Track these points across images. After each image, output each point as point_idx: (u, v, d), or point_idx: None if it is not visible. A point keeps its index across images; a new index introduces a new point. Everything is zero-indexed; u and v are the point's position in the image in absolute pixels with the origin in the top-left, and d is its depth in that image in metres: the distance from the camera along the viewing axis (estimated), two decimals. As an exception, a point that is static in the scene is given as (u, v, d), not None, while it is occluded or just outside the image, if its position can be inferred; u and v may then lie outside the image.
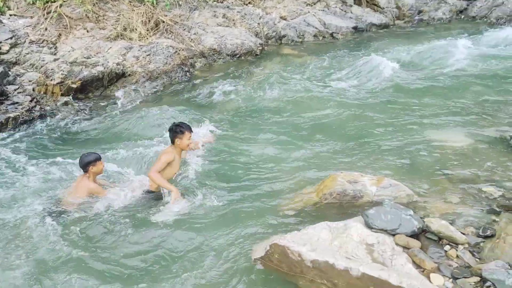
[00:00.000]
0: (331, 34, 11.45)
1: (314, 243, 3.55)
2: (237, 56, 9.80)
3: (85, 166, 4.75)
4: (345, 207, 4.39)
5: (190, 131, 5.06)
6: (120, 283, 3.70)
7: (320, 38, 11.29)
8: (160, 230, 4.29)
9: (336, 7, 12.11)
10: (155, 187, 4.86)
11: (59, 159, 5.62)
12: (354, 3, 12.58)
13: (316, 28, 11.34)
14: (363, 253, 3.42)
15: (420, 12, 13.11)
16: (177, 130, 4.98)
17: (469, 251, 3.45)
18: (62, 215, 4.55)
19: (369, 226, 3.72)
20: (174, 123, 5.12)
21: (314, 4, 12.03)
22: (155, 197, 4.83)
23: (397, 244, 3.53)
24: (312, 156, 5.53)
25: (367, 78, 8.44)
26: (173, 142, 5.02)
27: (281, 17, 11.51)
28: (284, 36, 11.07)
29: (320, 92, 8.01)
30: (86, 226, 4.40)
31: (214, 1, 11.00)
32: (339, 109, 7.13)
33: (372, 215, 3.78)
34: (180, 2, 10.36)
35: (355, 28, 11.79)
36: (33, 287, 3.69)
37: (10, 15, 8.73)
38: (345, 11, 12.18)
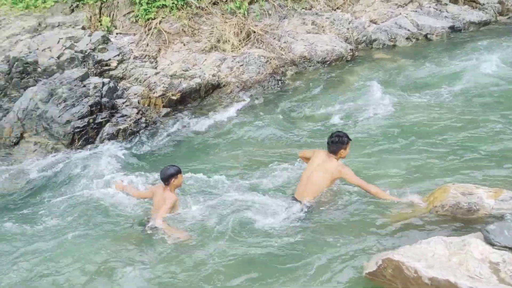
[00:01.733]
0: (425, 36, 10.91)
1: (430, 259, 3.38)
2: (328, 62, 9.72)
3: (167, 178, 4.81)
4: (458, 221, 4.15)
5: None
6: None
7: (413, 40, 10.81)
8: (267, 241, 4.34)
9: (430, 6, 11.52)
10: None
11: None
12: (450, 1, 11.89)
13: (408, 30, 10.88)
14: (487, 272, 3.20)
15: (526, 6, 12.04)
16: (344, 140, 4.68)
17: None
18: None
19: (490, 242, 3.47)
20: (336, 132, 4.80)
21: (406, 5, 11.56)
22: None
23: (526, 264, 3.24)
24: (417, 166, 5.31)
25: (469, 81, 7.93)
26: (336, 153, 4.69)
27: (371, 21, 11.21)
28: (375, 40, 10.77)
29: (418, 98, 7.67)
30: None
31: (303, 8, 11.02)
32: (441, 116, 6.78)
33: (494, 230, 3.51)
34: (270, 12, 10.53)
35: (451, 27, 11.12)
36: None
37: (117, 33, 9.48)
38: (440, 10, 11.55)
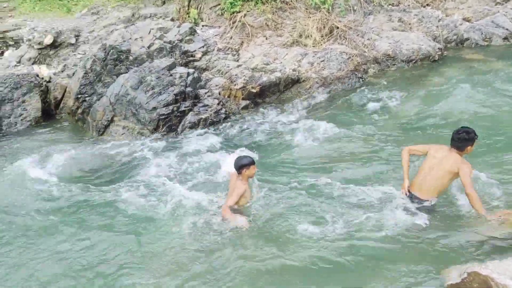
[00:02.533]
0: (526, 36, 10.07)
1: (523, 277, 3.14)
2: (413, 61, 9.31)
3: (239, 168, 4.90)
4: (556, 240, 3.81)
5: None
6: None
7: None
8: (340, 247, 4.29)
9: (533, 5, 10.60)
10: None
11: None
12: (558, -1, 10.83)
13: (507, 29, 10.09)
14: None
15: None
16: (472, 136, 4.47)
17: None
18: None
19: None
20: (464, 128, 4.58)
21: (506, 3, 10.71)
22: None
23: None
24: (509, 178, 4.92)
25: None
26: (462, 149, 4.49)
27: (464, 19, 10.55)
28: (466, 39, 10.13)
29: (509, 101, 7.12)
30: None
31: (390, 4, 10.64)
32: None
33: None
34: (355, 7, 10.28)
35: (557, 28, 10.15)
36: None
37: (203, 25, 9.79)
38: (545, 9, 10.58)
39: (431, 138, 6.19)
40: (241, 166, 4.93)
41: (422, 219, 4.40)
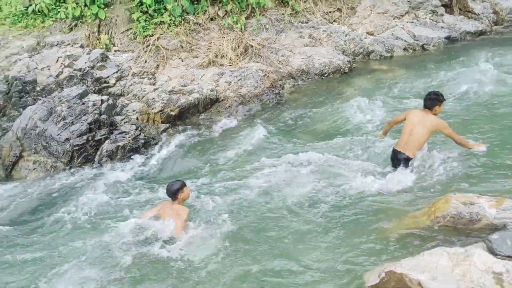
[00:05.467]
0: (422, 46, 10.99)
1: (433, 270, 3.35)
2: (326, 75, 9.76)
3: (174, 194, 4.90)
4: (460, 231, 4.11)
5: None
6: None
7: (410, 51, 10.88)
8: (270, 249, 4.32)
9: (426, 17, 11.62)
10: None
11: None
12: (446, 12, 11.98)
13: (405, 41, 10.96)
14: (491, 282, 3.16)
15: (521, 15, 12.15)
16: (440, 98, 5.28)
17: None
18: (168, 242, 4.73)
19: (493, 252, 3.44)
20: (433, 91, 5.41)
21: (402, 17, 11.65)
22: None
23: (529, 274, 3.20)
24: (419, 177, 5.26)
25: (466, 91, 7.94)
26: (431, 108, 5.29)
27: (367, 33, 11.29)
28: (372, 51, 10.84)
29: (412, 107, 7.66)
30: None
31: (300, 22, 11.11)
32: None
33: (496, 240, 3.49)
34: (267, 26, 10.60)
35: (448, 38, 11.21)
36: None
37: (115, 50, 9.53)
38: (436, 21, 11.65)
39: (349, 145, 6.50)
40: (175, 191, 4.90)
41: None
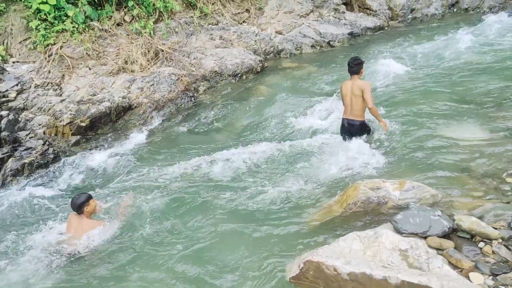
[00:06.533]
0: (328, 43, 11.54)
1: (347, 255, 3.54)
2: (239, 75, 9.88)
3: (79, 207, 4.79)
4: (370, 215, 4.39)
5: None
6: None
7: (318, 48, 11.38)
8: (184, 252, 4.29)
9: (329, 15, 12.22)
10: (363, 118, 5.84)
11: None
12: (347, 10, 12.69)
13: (312, 38, 11.44)
14: (398, 260, 3.41)
15: (412, 10, 13.21)
16: (361, 60, 5.79)
17: (504, 245, 3.43)
18: (69, 255, 4.58)
19: (398, 231, 3.71)
20: (353, 57, 5.87)
21: (308, 15, 12.14)
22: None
23: (430, 247, 3.51)
24: (325, 170, 5.52)
25: (371, 81, 8.47)
26: (358, 73, 5.77)
27: (276, 32, 11.62)
28: (282, 50, 11.17)
29: (321, 103, 8.00)
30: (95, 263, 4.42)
31: (209, 24, 11.13)
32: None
33: (400, 220, 3.77)
34: (177, 29, 10.49)
35: (350, 34, 11.88)
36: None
37: (13, 62, 8.86)
38: (338, 19, 12.29)
39: (268, 139, 6.69)
40: (80, 205, 4.76)
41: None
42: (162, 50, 9.76)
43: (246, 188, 5.36)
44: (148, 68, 9.31)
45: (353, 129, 5.91)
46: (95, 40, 9.52)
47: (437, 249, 3.48)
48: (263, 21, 11.88)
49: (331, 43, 11.53)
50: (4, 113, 7.06)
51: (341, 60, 10.08)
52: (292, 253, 4.10)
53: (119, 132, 7.91)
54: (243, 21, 11.82)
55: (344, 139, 6.00)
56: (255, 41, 11.05)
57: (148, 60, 9.47)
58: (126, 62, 9.31)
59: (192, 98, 8.92)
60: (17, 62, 8.95)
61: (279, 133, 6.90)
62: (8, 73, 8.27)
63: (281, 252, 4.13)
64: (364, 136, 5.93)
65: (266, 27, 11.73)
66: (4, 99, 7.85)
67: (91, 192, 5.27)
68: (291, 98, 8.09)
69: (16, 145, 6.87)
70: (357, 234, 3.77)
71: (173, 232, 4.76)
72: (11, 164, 6.59)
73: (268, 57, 10.98)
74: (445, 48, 9.41)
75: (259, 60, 10.39)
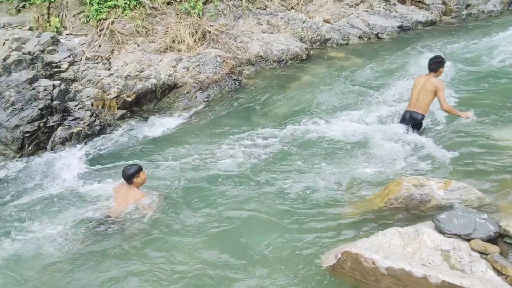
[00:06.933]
0: (376, 35, 11.28)
1: (387, 250, 3.51)
2: (284, 61, 9.84)
3: (129, 178, 4.90)
4: (411, 212, 4.32)
5: None
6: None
7: (365, 39, 11.14)
8: (224, 236, 4.35)
9: (379, 7, 11.91)
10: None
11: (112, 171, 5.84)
12: (398, 2, 12.33)
13: (360, 29, 11.20)
14: (439, 259, 3.35)
15: (468, 6, 12.68)
16: (443, 60, 5.94)
17: (553, 256, 3.30)
18: (113, 225, 4.70)
19: (441, 231, 3.64)
20: (435, 56, 6.11)
21: (357, 5, 11.89)
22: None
23: (473, 250, 3.42)
24: (370, 162, 5.46)
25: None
26: (436, 71, 5.88)
27: (324, 21, 11.45)
28: (328, 39, 11.01)
29: (368, 95, 7.87)
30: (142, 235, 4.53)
31: (258, 8, 11.09)
32: (392, 113, 6.99)
33: (444, 219, 3.69)
34: (225, 12, 10.52)
35: (400, 27, 11.55)
36: None
37: (67, 34, 9.16)
38: (389, 11, 11.96)
39: (310, 127, 6.65)
40: (130, 175, 4.89)
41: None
42: (210, 32, 9.83)
43: (286, 174, 5.37)
44: (195, 49, 9.41)
45: (413, 121, 6.01)
46: (145, 17, 9.69)
47: (481, 253, 3.40)
48: (311, 8, 11.72)
49: (380, 35, 11.26)
50: (56, 82, 7.32)
51: (389, 53, 9.86)
52: (328, 242, 4.10)
53: (163, 109, 8.08)
54: (291, 8, 11.71)
55: (402, 131, 6.01)
56: (302, 28, 10.94)
57: (195, 41, 9.57)
58: (173, 41, 9.44)
59: (236, 81, 8.97)
60: (70, 34, 9.25)
61: (322, 122, 6.83)
62: (62, 45, 8.56)
63: (317, 242, 4.13)
64: (417, 131, 5.92)
65: (314, 15, 11.57)
66: (56, 69, 8.16)
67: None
68: (336, 89, 7.99)
69: (66, 114, 7.13)
70: (397, 230, 3.73)
71: (210, 214, 4.75)
72: (60, 132, 6.87)
73: (314, 45, 10.86)
74: (499, 47, 9.01)
75: (305, 48, 10.30)
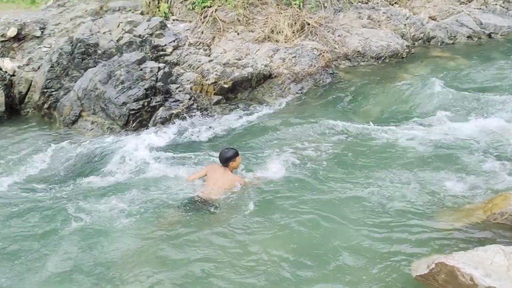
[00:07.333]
0: (489, 35, 10.43)
1: (488, 267, 3.27)
2: (382, 58, 9.50)
3: (226, 161, 5.06)
4: (518, 231, 3.98)
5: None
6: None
7: (475, 39, 10.36)
8: (304, 236, 4.32)
9: (496, 4, 10.99)
10: None
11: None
12: (519, 0, 11.28)
13: (470, 28, 10.43)
14: (549, 287, 3.05)
15: None
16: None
17: None
18: (204, 206, 4.84)
19: (553, 256, 3.30)
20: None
21: (469, 2, 11.07)
22: None
23: None
24: (475, 171, 5.10)
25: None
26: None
27: (430, 17, 10.84)
28: (433, 37, 10.41)
29: (474, 100, 7.31)
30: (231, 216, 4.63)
31: (359, 2, 10.79)
32: (498, 121, 6.44)
33: (558, 244, 3.35)
34: (326, 4, 10.38)
35: (518, 27, 10.57)
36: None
37: (173, 20, 9.65)
38: (506, 9, 10.99)
39: (398, 133, 6.35)
40: (227, 158, 5.07)
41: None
42: (309, 24, 9.77)
43: (378, 175, 5.20)
44: (292, 40, 9.42)
45: None
46: (247, 6, 9.88)
47: None
48: (417, 4, 11.15)
49: (493, 35, 10.40)
50: (161, 65, 7.76)
51: (502, 56, 9.09)
52: (421, 251, 3.92)
53: (257, 98, 8.22)
54: (395, 2, 11.24)
55: None
56: (405, 24, 10.45)
57: (293, 32, 9.57)
58: (272, 31, 9.53)
59: (331, 76, 8.84)
60: (176, 20, 9.73)
61: (420, 126, 6.49)
62: (168, 30, 9.04)
63: (409, 248, 3.97)
64: None
65: (419, 11, 11.00)
66: (162, 52, 8.63)
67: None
68: (437, 91, 7.51)
69: (167, 96, 7.53)
70: (501, 248, 3.45)
71: (293, 212, 4.70)
72: (161, 112, 7.28)
73: (416, 43, 10.34)
74: None
75: (406, 45, 9.84)
